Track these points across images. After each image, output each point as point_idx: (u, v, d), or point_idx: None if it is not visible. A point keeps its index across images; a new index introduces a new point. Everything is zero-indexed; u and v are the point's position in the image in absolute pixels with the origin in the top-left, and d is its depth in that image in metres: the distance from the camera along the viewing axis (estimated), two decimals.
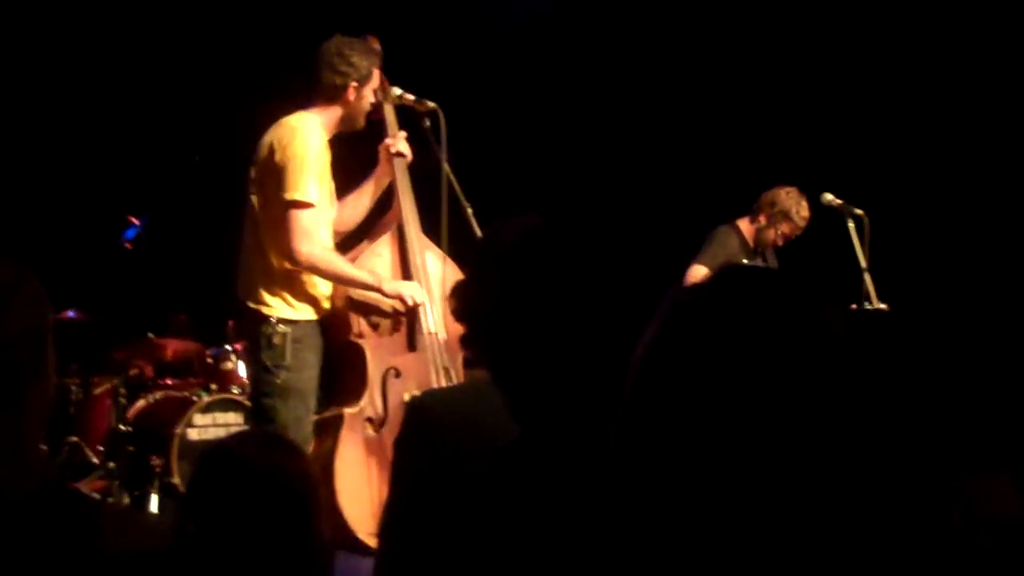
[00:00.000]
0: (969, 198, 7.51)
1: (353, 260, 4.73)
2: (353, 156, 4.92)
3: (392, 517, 2.38)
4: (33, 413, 1.52)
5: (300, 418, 4.53)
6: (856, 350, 1.21)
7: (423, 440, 2.34)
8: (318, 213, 4.51)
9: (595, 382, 1.75)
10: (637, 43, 8.37)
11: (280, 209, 4.48)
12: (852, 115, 7.83)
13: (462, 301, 2.67)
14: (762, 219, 6.35)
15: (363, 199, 4.87)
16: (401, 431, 2.42)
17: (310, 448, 4.55)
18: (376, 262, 4.76)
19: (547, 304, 1.80)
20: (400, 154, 4.81)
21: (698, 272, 6.11)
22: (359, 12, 6.13)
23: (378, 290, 4.61)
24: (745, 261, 6.25)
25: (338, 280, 4.62)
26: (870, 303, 5.96)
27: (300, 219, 4.45)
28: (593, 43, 8.40)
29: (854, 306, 5.88)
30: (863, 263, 5.94)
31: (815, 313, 1.24)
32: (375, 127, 4.87)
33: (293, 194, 4.44)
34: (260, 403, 4.61)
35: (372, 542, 4.42)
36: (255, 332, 4.60)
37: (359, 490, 4.48)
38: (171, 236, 7.27)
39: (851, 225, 6.01)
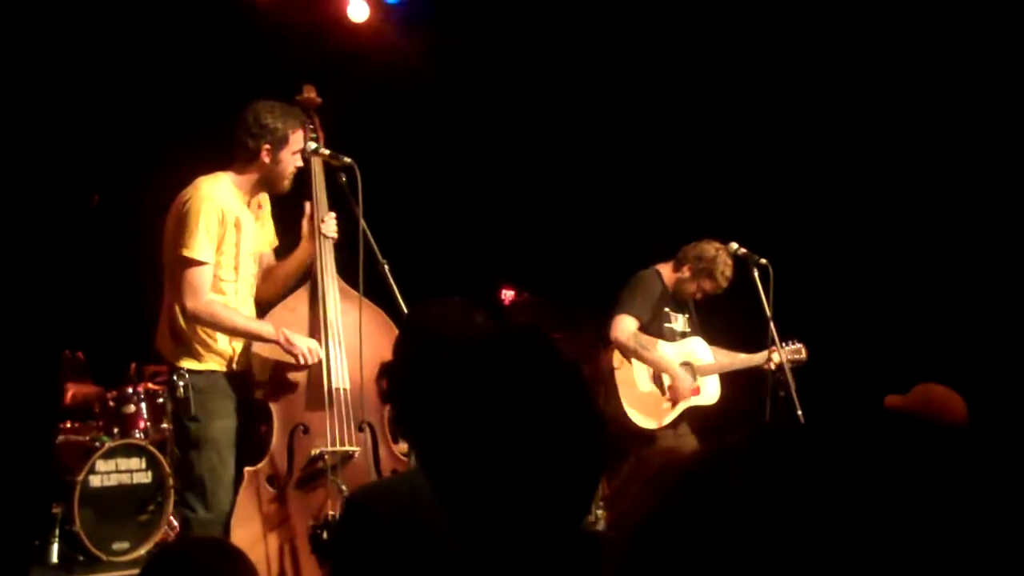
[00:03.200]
0: (872, 247, 7.73)
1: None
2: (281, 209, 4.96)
3: None
4: None
5: (215, 468, 4.58)
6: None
7: (363, 539, 2.33)
8: (208, 270, 4.57)
9: (543, 499, 1.73)
10: (548, 97, 8.49)
11: (174, 264, 4.59)
12: (757, 165, 8.00)
13: (392, 386, 2.66)
14: (686, 271, 6.23)
15: (282, 275, 4.91)
16: (340, 529, 2.42)
17: (228, 497, 4.59)
18: (288, 317, 4.77)
19: (499, 421, 1.74)
20: (325, 236, 4.82)
21: (628, 324, 6.00)
22: (276, 66, 6.12)
23: (274, 341, 4.62)
24: (667, 309, 6.23)
25: (229, 332, 4.65)
26: (777, 350, 6.05)
27: (188, 275, 4.54)
28: (511, 99, 8.50)
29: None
30: (768, 312, 6.01)
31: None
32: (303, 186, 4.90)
33: (183, 250, 4.54)
34: (178, 454, 4.75)
35: None
36: (169, 384, 4.70)
37: (253, 548, 4.47)
38: (71, 276, 7.12)
39: (756, 274, 6.06)
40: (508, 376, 1.76)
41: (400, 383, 2.61)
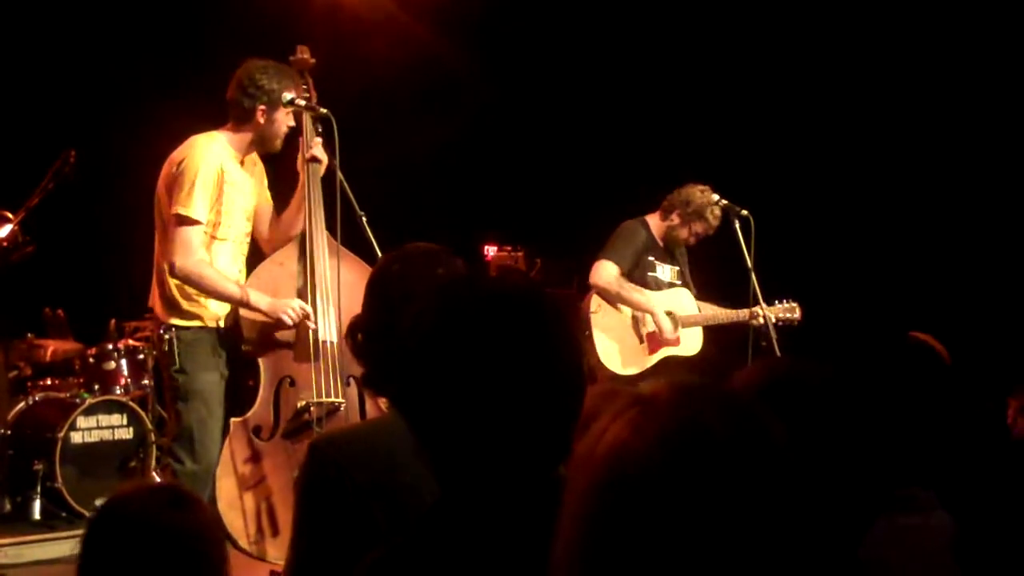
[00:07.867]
0: (853, 198, 7.72)
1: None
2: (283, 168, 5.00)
3: (297, 562, 2.34)
4: None
5: (203, 420, 4.71)
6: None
7: (324, 483, 2.31)
8: (200, 230, 4.66)
9: (524, 445, 1.70)
10: (532, 49, 8.43)
11: (168, 221, 4.69)
12: (737, 116, 7.97)
13: (364, 341, 2.60)
14: (675, 218, 6.21)
15: (288, 219, 4.94)
16: (302, 473, 2.39)
17: (216, 450, 4.68)
18: (276, 271, 4.83)
19: (480, 372, 1.67)
20: (313, 159, 4.84)
21: (608, 268, 6.00)
22: (253, 16, 6.05)
23: (254, 309, 4.67)
24: (651, 259, 6.22)
25: (212, 295, 4.74)
26: (757, 302, 6.03)
27: (181, 233, 4.64)
28: (495, 51, 8.45)
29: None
30: (749, 263, 5.98)
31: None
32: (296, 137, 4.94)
33: (178, 208, 4.63)
34: (160, 410, 4.87)
35: (252, 549, 4.48)
36: (155, 338, 4.87)
37: (238, 498, 4.57)
38: (50, 233, 7.06)
39: (737, 225, 6.02)
40: (482, 323, 1.72)
41: (368, 337, 2.57)
